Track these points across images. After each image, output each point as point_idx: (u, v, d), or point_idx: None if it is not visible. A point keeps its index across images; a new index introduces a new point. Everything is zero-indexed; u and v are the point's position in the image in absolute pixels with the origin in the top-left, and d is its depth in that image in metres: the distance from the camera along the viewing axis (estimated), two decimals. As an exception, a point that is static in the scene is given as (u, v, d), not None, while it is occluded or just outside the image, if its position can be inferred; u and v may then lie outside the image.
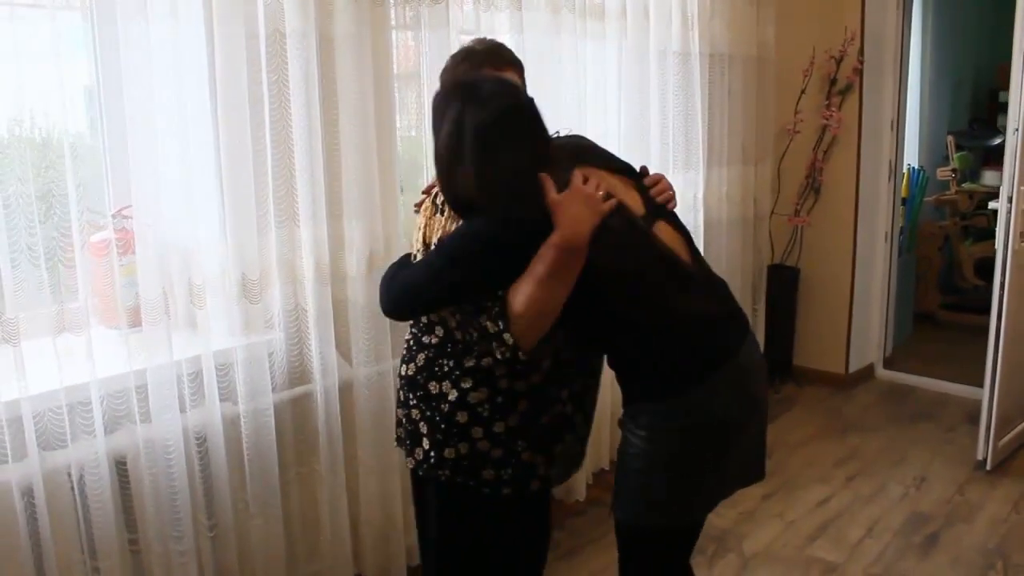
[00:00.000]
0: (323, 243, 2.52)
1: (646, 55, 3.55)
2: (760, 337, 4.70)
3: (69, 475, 2.09)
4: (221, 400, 2.37)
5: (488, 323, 1.72)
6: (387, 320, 2.71)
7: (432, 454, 1.92)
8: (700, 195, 3.93)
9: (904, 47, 4.76)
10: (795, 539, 3.30)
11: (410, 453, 1.99)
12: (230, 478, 2.39)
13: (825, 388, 4.84)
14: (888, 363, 5.08)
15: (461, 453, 1.89)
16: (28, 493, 2.03)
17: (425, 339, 1.94)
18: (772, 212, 4.69)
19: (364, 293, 2.63)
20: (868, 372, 5.01)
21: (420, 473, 1.98)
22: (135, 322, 2.24)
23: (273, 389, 2.50)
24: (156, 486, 2.23)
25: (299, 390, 2.57)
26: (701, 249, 3.81)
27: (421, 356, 1.94)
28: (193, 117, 2.28)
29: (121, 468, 2.20)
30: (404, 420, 2.00)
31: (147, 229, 2.19)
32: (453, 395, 1.88)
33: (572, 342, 1.89)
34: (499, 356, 1.75)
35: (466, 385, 1.87)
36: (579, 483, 3.53)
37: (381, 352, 2.72)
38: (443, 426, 1.89)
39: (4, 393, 1.97)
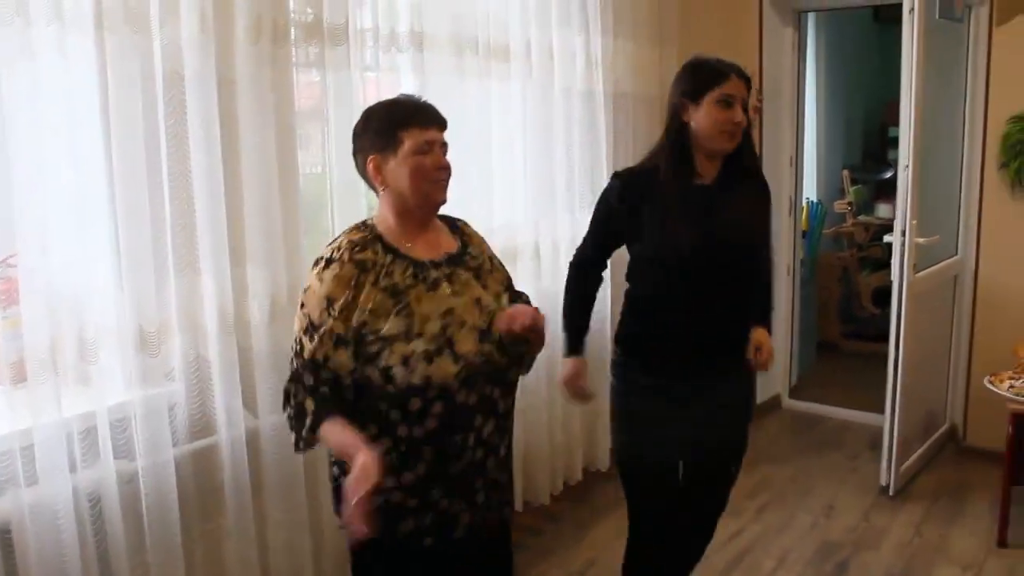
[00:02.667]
0: (226, 291, 2.44)
1: (550, 94, 3.58)
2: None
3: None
4: (117, 457, 2.25)
5: (369, 370, 1.80)
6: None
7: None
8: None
9: (800, 87, 4.94)
10: (709, 573, 3.32)
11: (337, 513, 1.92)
12: (127, 540, 2.26)
13: (734, 419, 4.90)
14: (794, 392, 5.21)
15: (377, 504, 1.76)
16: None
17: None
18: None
19: (268, 341, 2.55)
20: (775, 402, 5.12)
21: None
22: (19, 377, 2.11)
23: (174, 444, 2.39)
24: (43, 554, 2.09)
25: (202, 443, 2.47)
26: (609, 289, 3.87)
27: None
28: (85, 160, 2.19)
29: (5, 536, 2.06)
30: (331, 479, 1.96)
31: (33, 278, 2.07)
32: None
33: None
34: (383, 396, 1.81)
35: (371, 433, 1.83)
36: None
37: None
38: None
39: None
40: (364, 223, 1.96)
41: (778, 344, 4.96)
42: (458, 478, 1.90)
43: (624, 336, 2.53)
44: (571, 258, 2.62)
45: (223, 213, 2.41)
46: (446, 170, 1.92)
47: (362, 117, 1.97)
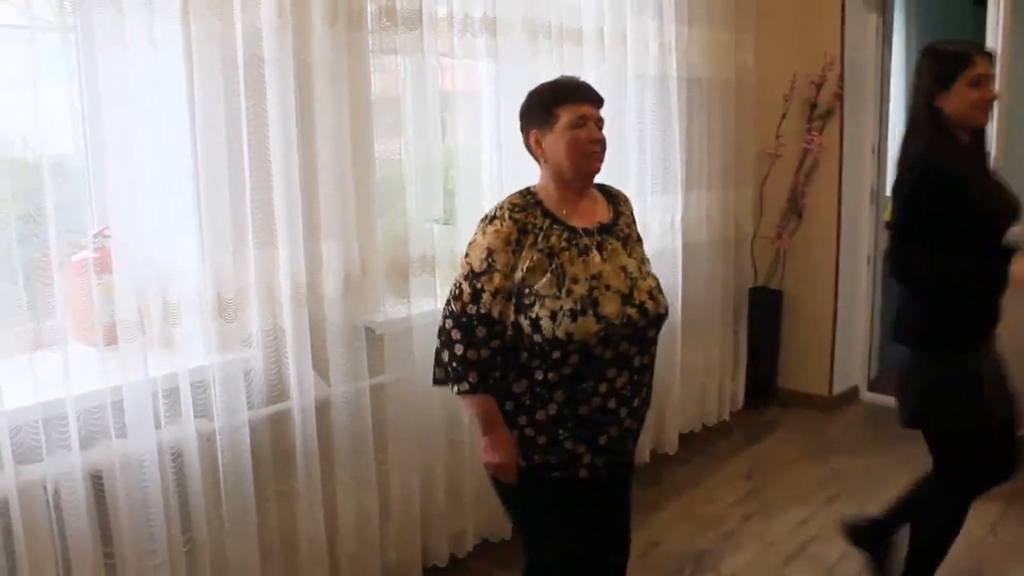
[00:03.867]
0: (300, 264, 2.58)
1: (624, 79, 3.62)
2: (742, 358, 4.75)
3: (44, 489, 2.13)
4: (197, 416, 2.41)
5: (521, 319, 2.01)
6: (363, 340, 2.77)
7: None
8: (678, 218, 4.00)
9: (884, 72, 4.84)
10: (773, 560, 3.32)
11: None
12: (205, 494, 2.42)
13: (809, 410, 4.86)
14: (873, 385, 5.11)
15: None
16: (3, 506, 2.07)
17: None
18: (755, 235, 4.75)
19: (341, 313, 2.68)
20: (853, 394, 5.04)
21: None
22: (111, 340, 2.28)
23: (250, 407, 2.54)
24: (131, 501, 2.27)
25: (276, 408, 2.62)
26: (679, 271, 3.90)
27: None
28: (172, 140, 2.35)
29: (97, 483, 2.24)
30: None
31: (124, 249, 2.24)
32: (503, 387, 2.08)
33: None
34: (529, 345, 2.02)
35: (511, 377, 2.07)
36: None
37: (358, 371, 2.76)
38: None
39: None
40: (527, 189, 2.15)
41: (857, 336, 4.91)
42: (584, 422, 2.07)
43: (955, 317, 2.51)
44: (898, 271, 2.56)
45: (298, 191, 2.54)
46: (599, 143, 2.09)
47: (526, 97, 2.16)
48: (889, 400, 4.90)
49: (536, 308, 2.02)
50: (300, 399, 2.62)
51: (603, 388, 2.07)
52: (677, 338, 4.08)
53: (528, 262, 2.03)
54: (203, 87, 2.34)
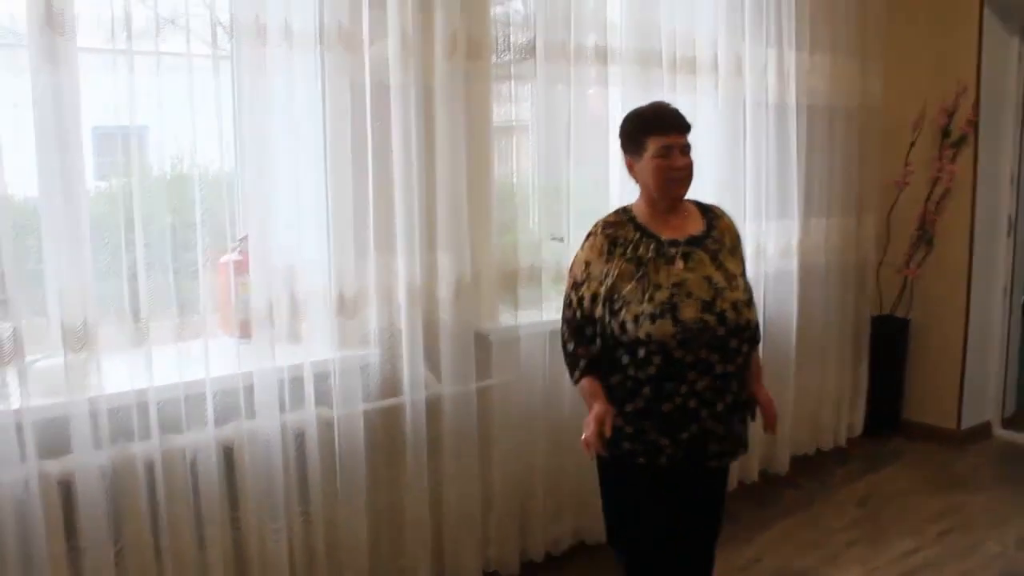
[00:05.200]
0: (416, 270, 2.84)
1: (739, 107, 3.72)
2: (863, 386, 4.70)
3: (184, 456, 2.46)
4: (317, 404, 2.70)
5: (612, 321, 2.28)
6: (472, 342, 3.00)
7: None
8: (794, 243, 4.04)
9: (1025, 99, 4.69)
10: (873, 586, 3.31)
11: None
12: (322, 473, 2.71)
13: (934, 443, 4.73)
14: (1008, 423, 4.92)
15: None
16: (150, 467, 2.41)
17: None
18: (880, 263, 4.69)
19: (452, 317, 2.93)
20: (984, 430, 4.86)
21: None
22: (246, 333, 2.63)
23: (366, 398, 2.82)
24: (256, 472, 2.58)
25: (390, 402, 2.88)
26: (796, 294, 3.94)
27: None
28: (306, 157, 2.67)
29: (228, 454, 2.55)
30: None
31: (258, 252, 2.58)
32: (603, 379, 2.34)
33: None
34: (620, 345, 2.26)
35: (608, 370, 2.32)
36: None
37: (467, 372, 3.00)
38: None
39: (136, 382, 2.38)
40: (624, 208, 2.43)
41: (989, 369, 4.76)
42: (667, 418, 2.26)
43: None
44: None
45: (416, 204, 2.81)
46: (682, 170, 2.32)
47: (621, 123, 2.41)
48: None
49: (623, 312, 2.25)
50: (412, 395, 2.87)
51: (684, 389, 2.26)
52: (791, 360, 4.11)
53: (617, 270, 2.28)
54: (334, 111, 2.65)
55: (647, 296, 2.24)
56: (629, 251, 2.30)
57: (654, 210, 2.36)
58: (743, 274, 2.41)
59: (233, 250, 2.63)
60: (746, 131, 3.80)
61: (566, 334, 2.38)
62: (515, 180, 3.13)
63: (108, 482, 2.35)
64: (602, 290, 2.29)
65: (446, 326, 2.94)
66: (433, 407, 2.95)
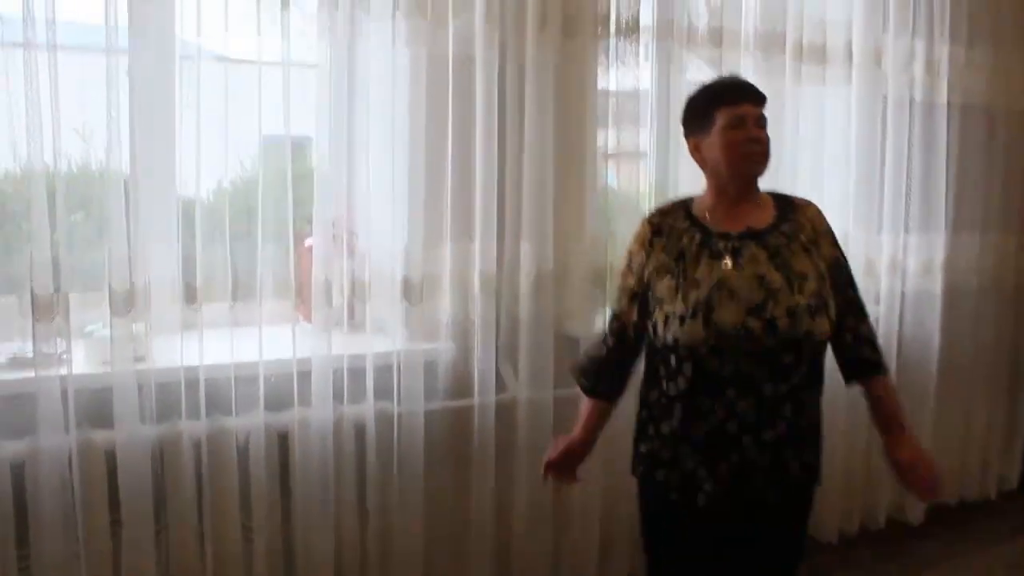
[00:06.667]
0: (491, 258, 2.66)
1: (875, 103, 3.34)
2: (1021, 430, 4.12)
3: (234, 439, 2.36)
4: (382, 398, 2.56)
5: (645, 324, 1.99)
6: (552, 343, 2.76)
7: (634, 451, 2.08)
8: (939, 260, 3.58)
9: None
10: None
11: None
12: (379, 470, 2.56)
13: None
14: None
15: (642, 451, 2.04)
16: (197, 446, 2.33)
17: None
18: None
19: (532, 314, 2.72)
20: None
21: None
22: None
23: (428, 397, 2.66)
24: (307, 461, 2.46)
25: (459, 403, 2.70)
26: (938, 318, 3.49)
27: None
28: (381, 133, 2.53)
29: (283, 440, 2.45)
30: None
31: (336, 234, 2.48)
32: (641, 394, 2.06)
33: None
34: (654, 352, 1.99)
35: (645, 386, 2.05)
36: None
37: (543, 376, 2.77)
38: (637, 424, 2.07)
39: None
40: (685, 198, 2.09)
41: None
42: (704, 442, 1.92)
43: None
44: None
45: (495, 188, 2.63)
46: (759, 143, 1.93)
47: (684, 103, 2.06)
48: None
49: (655, 312, 1.95)
50: (482, 397, 2.68)
51: (720, 408, 1.89)
52: (931, 393, 3.64)
53: (654, 264, 1.98)
54: (412, 83, 2.52)
55: (681, 295, 1.90)
56: (671, 241, 1.97)
57: (720, 200, 1.98)
58: (822, 276, 1.94)
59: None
60: (886, 131, 3.40)
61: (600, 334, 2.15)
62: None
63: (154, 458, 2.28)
64: (637, 286, 2.00)
65: (525, 322, 2.72)
66: (507, 409, 2.74)
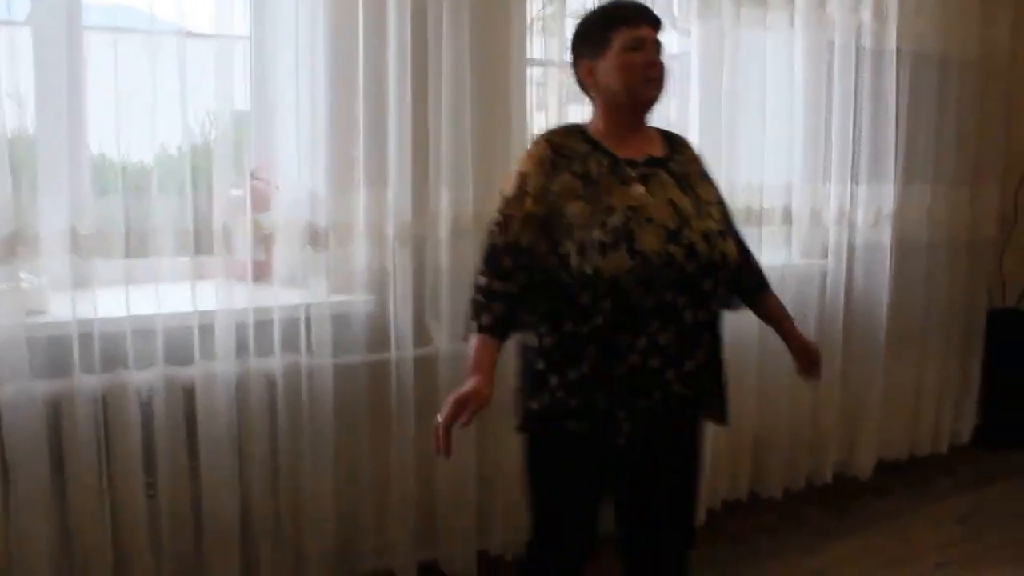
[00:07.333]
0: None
1: (821, 50, 3.25)
2: (973, 386, 4.08)
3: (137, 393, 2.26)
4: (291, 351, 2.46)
5: (551, 257, 1.79)
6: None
7: (524, 408, 1.90)
8: (889, 211, 3.50)
9: None
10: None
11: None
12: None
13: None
14: None
15: (537, 406, 1.85)
16: (96, 402, 2.23)
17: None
18: (1006, 245, 4.04)
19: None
20: None
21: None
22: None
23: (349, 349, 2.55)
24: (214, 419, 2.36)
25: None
26: (888, 272, 3.41)
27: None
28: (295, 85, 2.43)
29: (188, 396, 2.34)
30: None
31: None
32: (534, 343, 1.85)
33: None
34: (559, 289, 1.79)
35: (543, 331, 1.84)
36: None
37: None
38: (527, 376, 1.88)
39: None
40: (573, 124, 1.98)
41: None
42: (622, 381, 1.81)
43: None
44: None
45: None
46: (656, 67, 1.86)
47: (576, 26, 1.97)
48: None
49: (565, 241, 1.79)
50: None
51: (642, 343, 1.79)
52: (880, 347, 3.58)
53: (560, 185, 1.81)
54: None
55: (597, 221, 1.77)
56: (576, 164, 1.84)
57: (613, 126, 1.89)
58: (720, 203, 1.97)
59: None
60: (832, 79, 3.30)
61: (481, 266, 1.83)
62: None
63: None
64: (540, 210, 1.80)
65: (444, 272, 2.62)
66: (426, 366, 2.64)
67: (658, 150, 1.93)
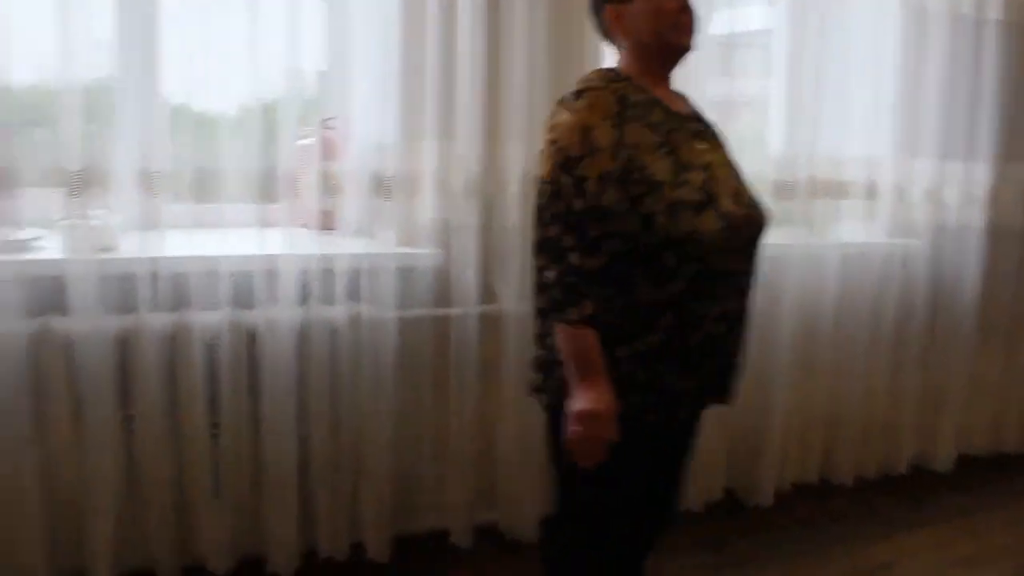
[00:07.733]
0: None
1: (914, 17, 3.11)
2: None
3: (201, 336, 2.28)
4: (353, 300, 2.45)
5: (631, 216, 1.58)
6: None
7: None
8: (983, 192, 3.32)
9: None
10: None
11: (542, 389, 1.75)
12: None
13: None
14: None
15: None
16: (164, 339, 2.25)
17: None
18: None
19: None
20: None
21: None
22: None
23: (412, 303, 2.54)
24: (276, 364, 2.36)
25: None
26: (981, 256, 3.31)
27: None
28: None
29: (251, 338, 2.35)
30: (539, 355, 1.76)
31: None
32: (591, 310, 1.57)
33: None
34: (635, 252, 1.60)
35: (608, 293, 1.60)
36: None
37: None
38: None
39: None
40: (609, 68, 1.79)
41: None
42: (693, 352, 1.67)
43: None
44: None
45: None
46: (688, 13, 1.74)
47: None
48: None
49: (649, 201, 1.58)
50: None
51: (716, 310, 1.67)
52: (965, 336, 3.41)
53: (635, 138, 1.61)
54: None
55: (683, 179, 1.60)
56: (648, 115, 1.65)
57: (647, 77, 1.74)
58: None
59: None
60: (925, 47, 3.14)
61: (563, 239, 1.55)
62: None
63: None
64: (615, 166, 1.58)
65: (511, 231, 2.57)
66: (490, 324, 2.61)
67: (686, 105, 1.83)
